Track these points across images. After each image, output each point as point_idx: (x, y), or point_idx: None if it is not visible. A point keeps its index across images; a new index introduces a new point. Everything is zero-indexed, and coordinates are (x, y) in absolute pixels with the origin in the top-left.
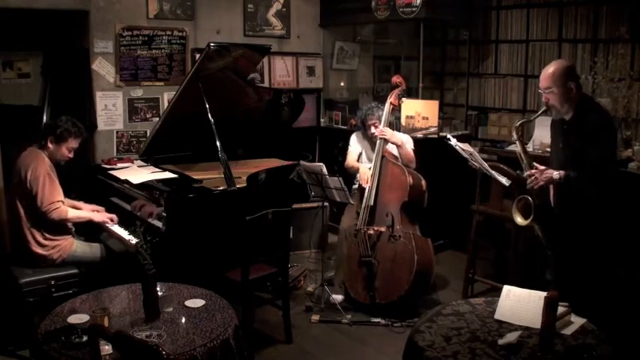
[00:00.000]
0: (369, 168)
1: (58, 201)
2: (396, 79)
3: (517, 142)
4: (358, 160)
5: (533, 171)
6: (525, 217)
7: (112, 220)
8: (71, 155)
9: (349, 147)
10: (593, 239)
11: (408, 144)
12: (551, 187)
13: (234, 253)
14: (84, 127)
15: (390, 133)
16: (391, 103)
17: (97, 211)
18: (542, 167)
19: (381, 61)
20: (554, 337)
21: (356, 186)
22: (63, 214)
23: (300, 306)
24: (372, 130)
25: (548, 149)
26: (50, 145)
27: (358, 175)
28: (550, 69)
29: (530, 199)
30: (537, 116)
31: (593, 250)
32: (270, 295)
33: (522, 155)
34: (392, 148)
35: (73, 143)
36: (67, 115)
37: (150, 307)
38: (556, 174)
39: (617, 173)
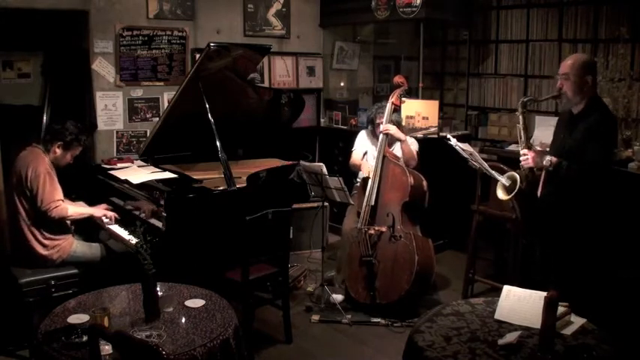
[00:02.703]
0: (372, 165)
1: (59, 199)
2: (398, 79)
3: (520, 116)
4: (362, 159)
5: (527, 150)
6: (509, 194)
7: (110, 218)
8: (72, 161)
9: (355, 144)
10: (578, 233)
11: (413, 145)
12: (542, 175)
13: (234, 253)
14: (85, 128)
15: (394, 129)
16: (393, 102)
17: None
18: (539, 149)
19: (381, 61)
20: (554, 337)
21: (358, 184)
22: (64, 212)
23: (300, 306)
24: (381, 127)
25: (548, 149)
26: (57, 151)
27: (360, 172)
28: (571, 59)
29: (517, 175)
30: (546, 99)
31: (581, 244)
32: (270, 295)
33: (522, 132)
34: (395, 149)
35: (78, 151)
36: (67, 115)
37: (150, 307)
38: (547, 159)
39: (611, 173)
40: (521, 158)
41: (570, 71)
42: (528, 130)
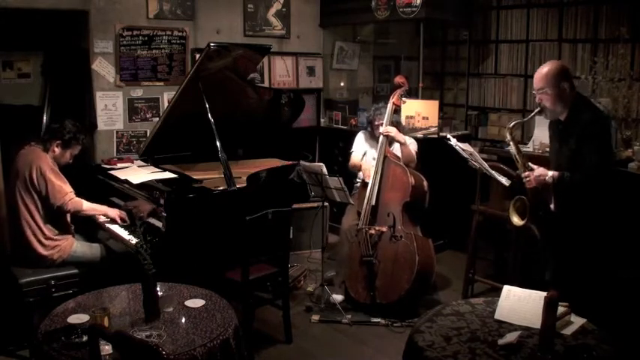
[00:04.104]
0: (372, 166)
1: (70, 192)
2: (399, 79)
3: (511, 142)
4: (362, 160)
5: (527, 172)
6: (522, 218)
7: (122, 220)
8: (71, 161)
9: (353, 146)
10: (591, 239)
11: (412, 145)
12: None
13: (234, 253)
14: (84, 127)
15: (394, 131)
16: (394, 103)
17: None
18: (537, 167)
19: (381, 61)
20: (554, 337)
21: (358, 184)
22: (79, 205)
23: (300, 306)
24: (380, 129)
25: (548, 149)
26: (56, 150)
27: (361, 172)
28: (543, 70)
29: (526, 199)
30: (530, 117)
31: (592, 250)
32: (270, 295)
33: (517, 156)
34: (395, 149)
35: (77, 150)
36: (67, 115)
37: (150, 307)
38: (549, 175)
39: (614, 173)
40: (524, 180)
41: (545, 84)
42: (522, 154)
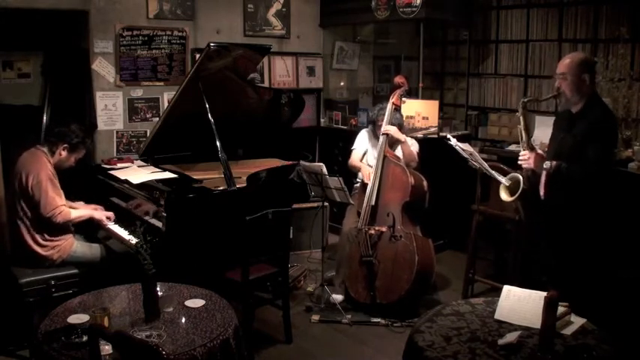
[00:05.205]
0: (371, 169)
1: (62, 205)
2: (398, 79)
3: (521, 117)
4: (362, 159)
5: (526, 152)
6: (512, 195)
7: (109, 218)
8: (74, 165)
9: (355, 143)
10: (580, 232)
11: (413, 146)
12: (542, 177)
13: (234, 253)
14: (84, 127)
15: (394, 130)
16: (393, 103)
17: (96, 209)
18: (540, 152)
19: (381, 61)
20: (554, 337)
21: (358, 184)
22: (67, 217)
23: (300, 306)
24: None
25: (547, 148)
26: (62, 153)
27: (360, 173)
28: (569, 58)
29: (520, 176)
30: (546, 99)
31: (581, 243)
32: (270, 295)
33: (523, 132)
34: (396, 150)
35: (82, 154)
36: (67, 115)
37: (150, 307)
38: (547, 163)
39: (612, 173)
40: (520, 159)
41: (567, 70)
42: (529, 131)
